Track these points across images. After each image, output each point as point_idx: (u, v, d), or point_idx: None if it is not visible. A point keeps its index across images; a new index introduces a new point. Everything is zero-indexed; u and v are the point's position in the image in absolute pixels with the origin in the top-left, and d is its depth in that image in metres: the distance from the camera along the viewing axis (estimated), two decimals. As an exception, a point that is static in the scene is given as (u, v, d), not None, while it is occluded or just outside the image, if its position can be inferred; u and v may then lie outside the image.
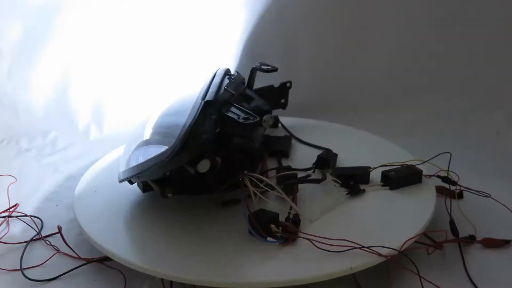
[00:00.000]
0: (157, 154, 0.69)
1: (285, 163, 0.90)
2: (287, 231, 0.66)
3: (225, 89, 0.79)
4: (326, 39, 1.29)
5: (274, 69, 0.97)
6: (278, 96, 1.07)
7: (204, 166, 0.69)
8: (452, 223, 0.75)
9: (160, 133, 0.77)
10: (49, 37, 1.25)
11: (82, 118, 1.25)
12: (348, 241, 0.63)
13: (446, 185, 0.83)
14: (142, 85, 1.29)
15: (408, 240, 0.66)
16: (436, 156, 0.83)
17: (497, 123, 1.15)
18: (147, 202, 0.80)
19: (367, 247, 0.63)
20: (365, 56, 1.28)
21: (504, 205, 0.82)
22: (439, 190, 0.83)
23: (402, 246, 0.65)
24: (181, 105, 0.76)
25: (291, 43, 1.29)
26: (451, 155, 0.82)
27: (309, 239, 0.65)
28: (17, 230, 0.83)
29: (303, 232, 0.67)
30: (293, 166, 0.85)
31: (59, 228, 0.79)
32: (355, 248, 0.63)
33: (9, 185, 0.96)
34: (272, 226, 0.66)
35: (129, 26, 1.28)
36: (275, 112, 1.07)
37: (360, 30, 1.27)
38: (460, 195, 0.85)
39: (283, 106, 1.08)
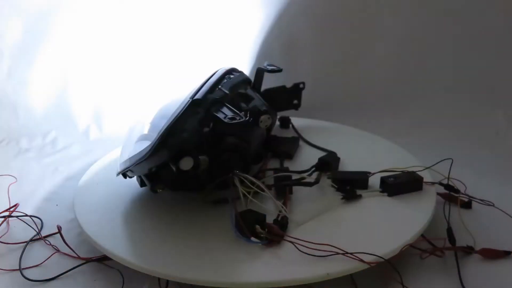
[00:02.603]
0: (141, 149, 0.70)
1: (288, 164, 0.89)
2: (271, 233, 0.66)
3: (219, 89, 0.79)
4: (328, 40, 1.29)
5: (279, 70, 0.97)
6: (290, 96, 1.06)
7: (186, 163, 0.69)
8: (449, 231, 0.73)
9: (152, 129, 0.78)
10: (49, 37, 1.26)
11: (82, 118, 1.25)
12: (331, 246, 0.62)
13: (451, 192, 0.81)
14: (143, 85, 1.29)
15: (396, 248, 0.64)
16: (439, 162, 0.82)
17: (497, 123, 1.15)
18: (146, 201, 0.80)
19: (350, 253, 0.61)
20: (366, 57, 1.28)
21: (508, 214, 0.80)
22: (444, 196, 0.82)
23: (401, 250, 0.63)
24: (177, 102, 0.76)
25: (292, 44, 1.30)
26: (452, 161, 0.80)
27: (292, 242, 0.64)
28: (17, 230, 0.83)
29: (287, 235, 0.66)
30: (296, 168, 0.84)
31: (59, 228, 0.79)
32: (338, 253, 0.62)
33: (10, 185, 0.96)
34: (257, 227, 0.66)
35: (131, 25, 1.28)
36: (287, 113, 1.07)
37: (361, 30, 1.27)
38: (468, 205, 0.83)
39: (296, 107, 1.08)
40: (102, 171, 0.91)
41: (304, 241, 0.63)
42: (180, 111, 0.71)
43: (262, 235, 0.65)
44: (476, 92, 1.20)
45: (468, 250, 0.71)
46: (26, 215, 0.86)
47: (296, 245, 0.64)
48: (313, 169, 0.83)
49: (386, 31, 1.26)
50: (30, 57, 1.26)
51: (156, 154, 0.69)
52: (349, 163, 0.88)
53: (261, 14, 1.28)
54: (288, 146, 0.95)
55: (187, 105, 0.72)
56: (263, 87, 1.00)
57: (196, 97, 0.74)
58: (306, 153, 0.94)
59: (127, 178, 0.80)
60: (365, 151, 0.95)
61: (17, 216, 0.86)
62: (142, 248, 0.69)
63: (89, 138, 1.21)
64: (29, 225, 0.83)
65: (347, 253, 0.62)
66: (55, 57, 1.27)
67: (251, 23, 1.29)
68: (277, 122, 1.06)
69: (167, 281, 0.65)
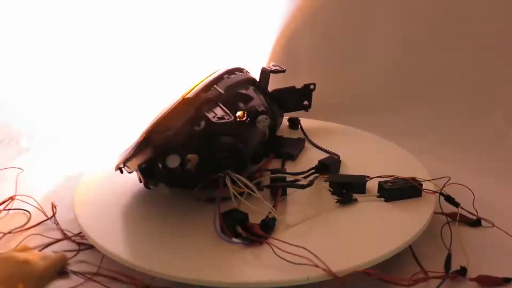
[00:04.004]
0: (129, 146, 0.72)
1: (290, 165, 0.89)
2: (252, 233, 0.66)
3: (214, 88, 0.79)
4: (330, 42, 1.29)
5: (282, 70, 0.97)
6: (300, 97, 1.05)
7: (172, 161, 0.70)
8: (448, 258, 0.69)
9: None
10: (49, 37, 1.26)
11: (82, 118, 1.25)
12: (307, 250, 0.61)
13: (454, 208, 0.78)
14: (144, 85, 1.29)
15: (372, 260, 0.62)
16: (437, 179, 0.80)
17: (496, 124, 1.15)
18: (146, 200, 0.81)
19: (319, 265, 0.60)
20: (366, 57, 1.28)
21: (509, 234, 0.76)
22: (447, 215, 0.78)
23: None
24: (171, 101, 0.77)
25: (292, 44, 1.30)
26: (449, 178, 0.78)
27: (270, 244, 0.64)
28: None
29: (269, 236, 0.66)
30: (297, 169, 0.83)
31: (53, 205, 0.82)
32: (309, 265, 0.60)
33: (18, 174, 1.00)
34: (237, 227, 0.66)
35: (134, 25, 1.28)
36: (297, 114, 1.07)
37: (362, 32, 1.27)
38: (477, 223, 0.78)
39: (306, 108, 1.06)
40: (102, 171, 0.92)
41: (282, 241, 0.63)
42: (169, 109, 0.71)
43: (242, 235, 0.65)
44: (476, 93, 1.20)
45: (458, 274, 0.66)
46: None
47: (273, 248, 0.63)
48: (312, 171, 0.83)
49: (387, 33, 1.26)
50: (30, 57, 1.26)
51: (141, 151, 0.69)
52: (352, 166, 0.87)
53: (268, 17, 1.29)
54: (291, 147, 0.94)
55: (176, 103, 0.72)
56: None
57: (188, 96, 0.74)
58: (311, 155, 0.93)
59: (126, 173, 0.80)
60: (371, 154, 0.94)
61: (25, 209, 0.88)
62: (138, 247, 0.70)
63: (90, 138, 1.21)
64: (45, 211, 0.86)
65: (317, 266, 0.60)
66: (55, 57, 1.27)
67: (258, 25, 1.30)
68: (286, 123, 1.06)
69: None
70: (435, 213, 0.75)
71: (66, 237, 0.79)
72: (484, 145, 1.09)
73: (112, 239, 0.71)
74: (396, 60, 1.26)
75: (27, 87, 1.27)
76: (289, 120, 1.06)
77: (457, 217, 0.77)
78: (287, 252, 0.62)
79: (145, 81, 1.29)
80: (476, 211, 0.80)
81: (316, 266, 0.60)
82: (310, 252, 0.61)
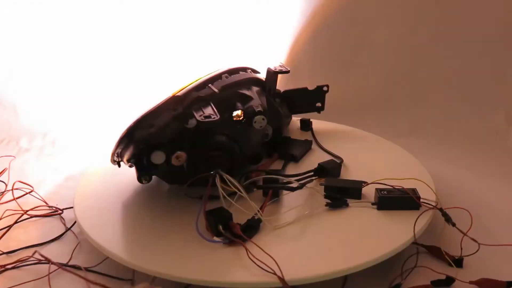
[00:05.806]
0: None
1: (292, 167, 0.88)
2: (233, 233, 0.66)
3: (208, 87, 0.79)
4: (327, 41, 1.29)
5: (286, 71, 0.97)
6: (313, 99, 1.04)
7: (157, 158, 0.70)
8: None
9: None
10: (49, 37, 1.26)
11: (81, 118, 1.26)
12: (271, 257, 0.61)
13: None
14: (144, 86, 1.29)
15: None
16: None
17: (497, 123, 1.15)
18: (146, 198, 0.81)
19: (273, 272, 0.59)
20: (366, 57, 1.28)
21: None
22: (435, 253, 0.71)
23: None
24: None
25: (293, 46, 1.30)
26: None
27: (244, 246, 0.63)
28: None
29: (247, 239, 0.65)
30: (298, 171, 0.83)
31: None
32: (270, 272, 0.60)
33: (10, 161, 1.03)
34: (219, 226, 0.66)
35: (135, 24, 1.28)
36: (309, 115, 1.06)
37: (362, 32, 1.27)
38: (458, 263, 0.69)
39: (319, 109, 1.05)
40: (101, 171, 0.92)
41: (256, 245, 0.64)
42: (155, 106, 0.72)
43: (223, 234, 0.66)
44: (476, 92, 1.20)
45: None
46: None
47: (255, 246, 0.63)
48: (309, 174, 0.82)
49: (387, 32, 1.25)
50: (30, 57, 1.26)
51: (126, 147, 0.70)
52: (355, 170, 0.86)
53: (269, 19, 1.29)
54: (296, 149, 0.93)
55: (164, 101, 0.73)
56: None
57: (178, 94, 0.74)
58: (316, 157, 0.91)
59: (127, 173, 0.80)
60: (376, 158, 0.92)
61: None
62: (136, 246, 0.70)
63: (89, 138, 1.21)
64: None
65: (281, 278, 0.59)
66: (55, 57, 1.27)
67: (261, 26, 1.30)
68: (298, 124, 1.05)
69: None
70: (413, 243, 0.68)
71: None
72: (484, 145, 1.08)
73: (112, 239, 0.71)
74: (397, 60, 1.26)
75: (27, 87, 1.27)
76: (301, 121, 1.05)
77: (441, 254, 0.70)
78: (257, 258, 0.61)
79: (151, 81, 1.29)
80: (461, 249, 0.69)
81: (274, 273, 0.59)
82: (273, 259, 0.61)
